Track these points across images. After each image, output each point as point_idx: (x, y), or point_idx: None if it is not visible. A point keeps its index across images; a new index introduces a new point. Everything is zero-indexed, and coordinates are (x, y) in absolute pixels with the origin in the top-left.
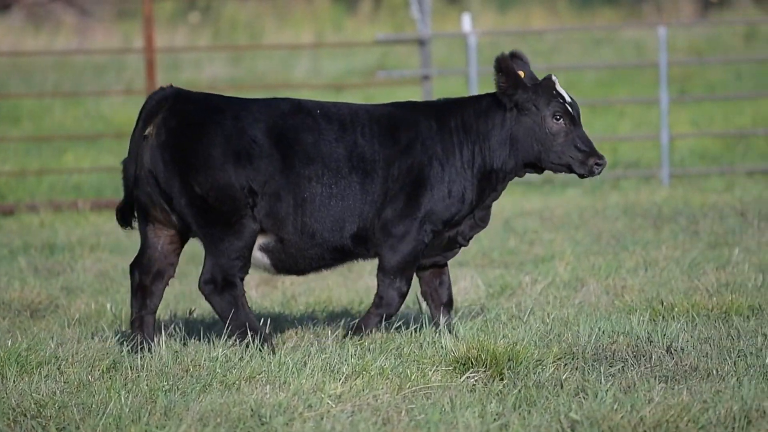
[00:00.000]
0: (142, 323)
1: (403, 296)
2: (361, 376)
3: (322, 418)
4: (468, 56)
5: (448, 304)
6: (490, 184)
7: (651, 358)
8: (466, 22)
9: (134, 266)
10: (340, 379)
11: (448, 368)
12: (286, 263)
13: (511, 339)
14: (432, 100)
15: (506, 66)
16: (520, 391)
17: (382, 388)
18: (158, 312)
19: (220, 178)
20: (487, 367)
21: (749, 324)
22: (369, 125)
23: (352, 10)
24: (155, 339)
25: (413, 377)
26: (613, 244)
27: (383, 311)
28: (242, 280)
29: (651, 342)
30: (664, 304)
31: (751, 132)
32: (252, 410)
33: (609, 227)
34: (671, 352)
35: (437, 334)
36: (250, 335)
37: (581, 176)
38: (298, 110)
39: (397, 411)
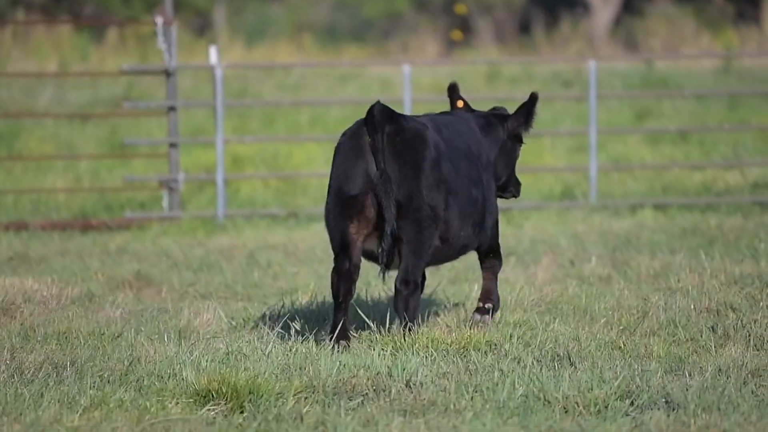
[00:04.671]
0: (347, 310)
1: None
2: (99, 408)
3: None
4: (215, 88)
5: None
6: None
7: (390, 392)
8: (213, 55)
9: (342, 259)
10: (78, 411)
11: (189, 400)
12: (431, 260)
13: (253, 372)
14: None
15: (535, 107)
16: (260, 424)
17: (121, 421)
18: None
19: (438, 186)
20: (228, 399)
21: (486, 359)
22: (465, 130)
23: (97, 40)
24: None
25: (152, 409)
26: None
27: (495, 303)
28: None
29: (391, 376)
30: (405, 338)
31: None
32: None
33: None
34: (410, 387)
35: (178, 366)
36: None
37: (509, 197)
38: (438, 124)
39: None
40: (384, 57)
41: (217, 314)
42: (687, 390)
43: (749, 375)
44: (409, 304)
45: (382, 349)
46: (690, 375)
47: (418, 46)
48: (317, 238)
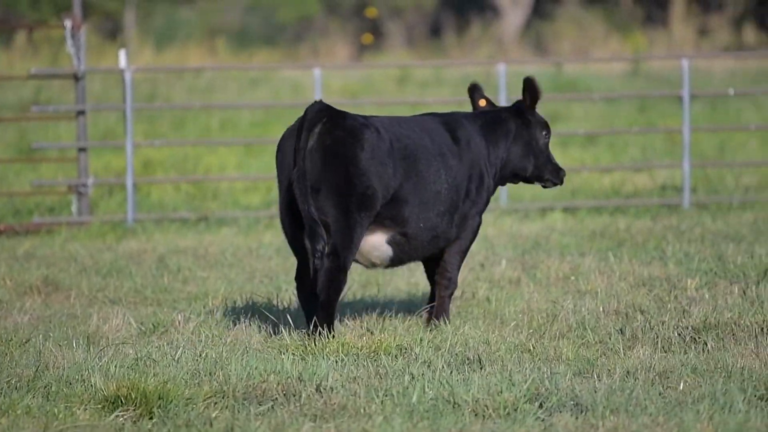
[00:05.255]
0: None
1: None
2: (6, 414)
3: None
4: (124, 92)
5: None
6: (494, 186)
7: (301, 396)
8: (123, 59)
9: (301, 266)
10: None
11: (97, 406)
12: (405, 255)
13: (162, 377)
14: (453, 111)
15: (535, 86)
16: (169, 430)
17: (29, 428)
18: None
19: (375, 179)
20: (137, 405)
21: (397, 363)
22: (439, 129)
23: (5, 43)
24: None
25: (60, 416)
26: (266, 283)
27: (452, 290)
28: None
29: (301, 381)
30: (316, 343)
31: None
32: None
33: (262, 266)
34: (321, 391)
35: (86, 372)
36: (323, 321)
37: (550, 186)
38: (400, 124)
39: None
40: (295, 60)
41: (126, 319)
42: (595, 392)
43: (657, 377)
44: (332, 279)
45: (293, 354)
46: (598, 377)
47: (329, 50)
48: (227, 242)
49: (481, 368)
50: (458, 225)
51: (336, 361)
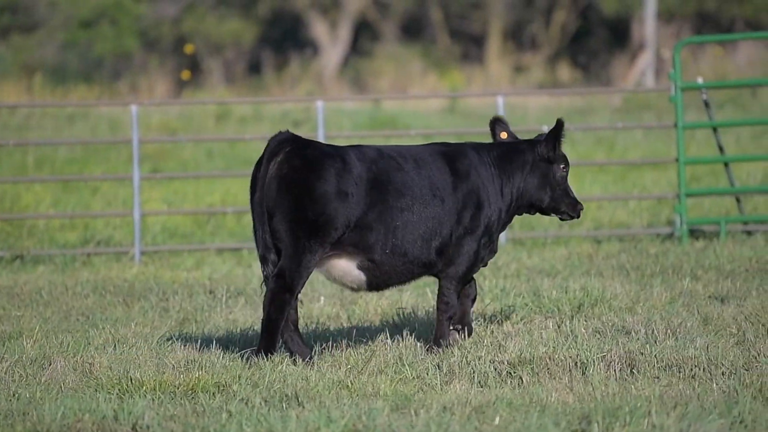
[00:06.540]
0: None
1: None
2: None
3: None
4: None
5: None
6: (508, 215)
7: None
8: None
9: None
10: None
11: None
12: (380, 279)
13: None
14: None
15: (562, 128)
16: None
17: None
18: None
19: (330, 209)
20: None
21: (215, 401)
22: (434, 160)
23: None
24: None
25: None
26: (82, 321)
27: (450, 313)
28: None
29: (117, 420)
30: (133, 381)
31: (220, 210)
32: None
33: (79, 304)
34: (137, 430)
35: None
36: (264, 343)
37: (567, 218)
38: (382, 155)
39: None
40: (113, 97)
41: None
42: (413, 428)
43: (473, 411)
44: (275, 298)
45: (108, 393)
46: (416, 413)
47: (148, 86)
48: (43, 280)
49: (299, 405)
50: (440, 251)
51: (153, 399)
